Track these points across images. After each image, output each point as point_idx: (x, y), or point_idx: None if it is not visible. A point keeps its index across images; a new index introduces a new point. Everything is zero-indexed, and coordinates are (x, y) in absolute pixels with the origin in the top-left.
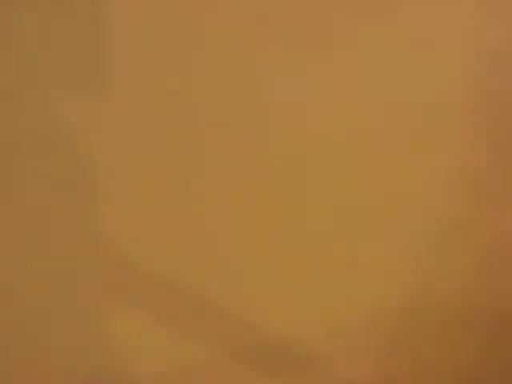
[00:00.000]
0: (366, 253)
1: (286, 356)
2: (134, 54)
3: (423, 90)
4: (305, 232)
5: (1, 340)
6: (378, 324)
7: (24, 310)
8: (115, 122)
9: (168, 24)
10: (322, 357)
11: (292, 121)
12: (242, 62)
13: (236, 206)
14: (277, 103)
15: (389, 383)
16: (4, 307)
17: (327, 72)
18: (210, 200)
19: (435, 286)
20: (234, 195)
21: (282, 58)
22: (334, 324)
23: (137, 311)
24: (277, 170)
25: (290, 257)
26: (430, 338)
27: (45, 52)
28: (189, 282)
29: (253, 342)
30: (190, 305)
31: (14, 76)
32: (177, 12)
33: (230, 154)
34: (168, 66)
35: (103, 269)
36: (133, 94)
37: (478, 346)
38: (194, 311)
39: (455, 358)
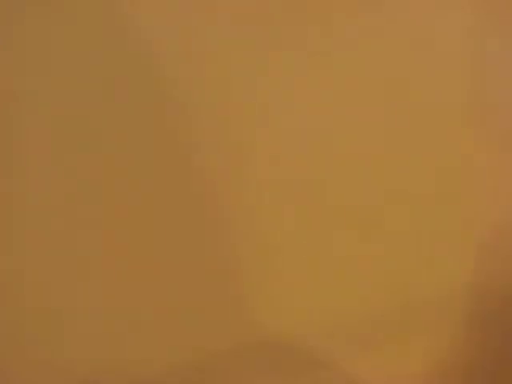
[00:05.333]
0: (365, 253)
1: (286, 355)
2: (133, 54)
3: (423, 90)
4: (306, 231)
5: (1, 340)
6: (378, 323)
7: (24, 310)
8: (117, 120)
9: (168, 24)
10: (322, 356)
11: (292, 121)
12: (242, 62)
13: (236, 205)
14: (277, 103)
15: (390, 383)
16: (4, 307)
17: (326, 72)
18: (210, 199)
19: (436, 286)
20: (235, 194)
21: (281, 57)
22: (335, 323)
23: (137, 311)
24: (276, 170)
25: (290, 255)
26: (431, 337)
27: (45, 52)
28: (189, 281)
29: (254, 341)
30: (190, 304)
31: (14, 76)
32: (177, 12)
33: (230, 154)
34: (168, 66)
35: (104, 268)
36: (132, 93)
37: (480, 345)
38: (195, 310)
39: (456, 357)
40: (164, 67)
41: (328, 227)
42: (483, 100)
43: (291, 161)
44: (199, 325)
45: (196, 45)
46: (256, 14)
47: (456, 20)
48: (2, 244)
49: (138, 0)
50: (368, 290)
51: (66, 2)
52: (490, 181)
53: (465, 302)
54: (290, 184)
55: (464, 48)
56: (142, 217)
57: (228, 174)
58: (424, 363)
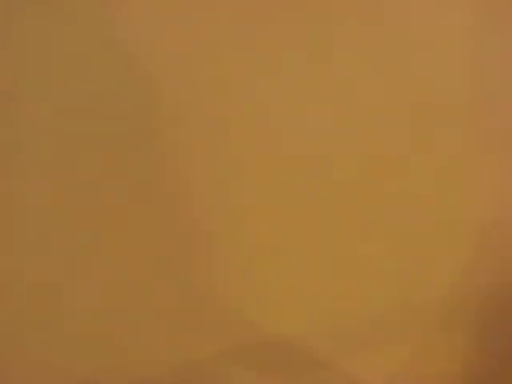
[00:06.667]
0: (365, 253)
1: (286, 355)
2: (133, 54)
3: (423, 90)
4: (306, 231)
5: (1, 340)
6: (378, 323)
7: (24, 310)
8: (117, 120)
9: (168, 25)
10: (322, 356)
11: (292, 121)
12: (242, 62)
13: (236, 205)
14: (277, 103)
15: (390, 383)
16: (4, 307)
17: (326, 72)
18: (209, 199)
19: (435, 286)
20: (234, 195)
21: (281, 57)
22: (335, 323)
23: (137, 311)
24: (276, 171)
25: (290, 255)
26: (431, 336)
27: (45, 52)
28: (190, 281)
29: (254, 341)
30: (190, 304)
31: (14, 76)
32: (177, 13)
33: (230, 154)
34: (167, 66)
35: (103, 268)
36: (132, 93)
37: (479, 345)
38: (195, 311)
39: (456, 356)
40: (164, 67)
41: (328, 227)
42: (483, 100)
43: (291, 160)
44: (199, 325)
45: (196, 45)
46: (256, 13)
47: (456, 20)
48: (2, 244)
49: (138, 0)
50: (368, 289)
51: (66, 2)
52: (489, 181)
53: (464, 302)
54: (290, 184)
55: (464, 48)
56: (142, 217)
57: (228, 174)
58: (424, 363)
